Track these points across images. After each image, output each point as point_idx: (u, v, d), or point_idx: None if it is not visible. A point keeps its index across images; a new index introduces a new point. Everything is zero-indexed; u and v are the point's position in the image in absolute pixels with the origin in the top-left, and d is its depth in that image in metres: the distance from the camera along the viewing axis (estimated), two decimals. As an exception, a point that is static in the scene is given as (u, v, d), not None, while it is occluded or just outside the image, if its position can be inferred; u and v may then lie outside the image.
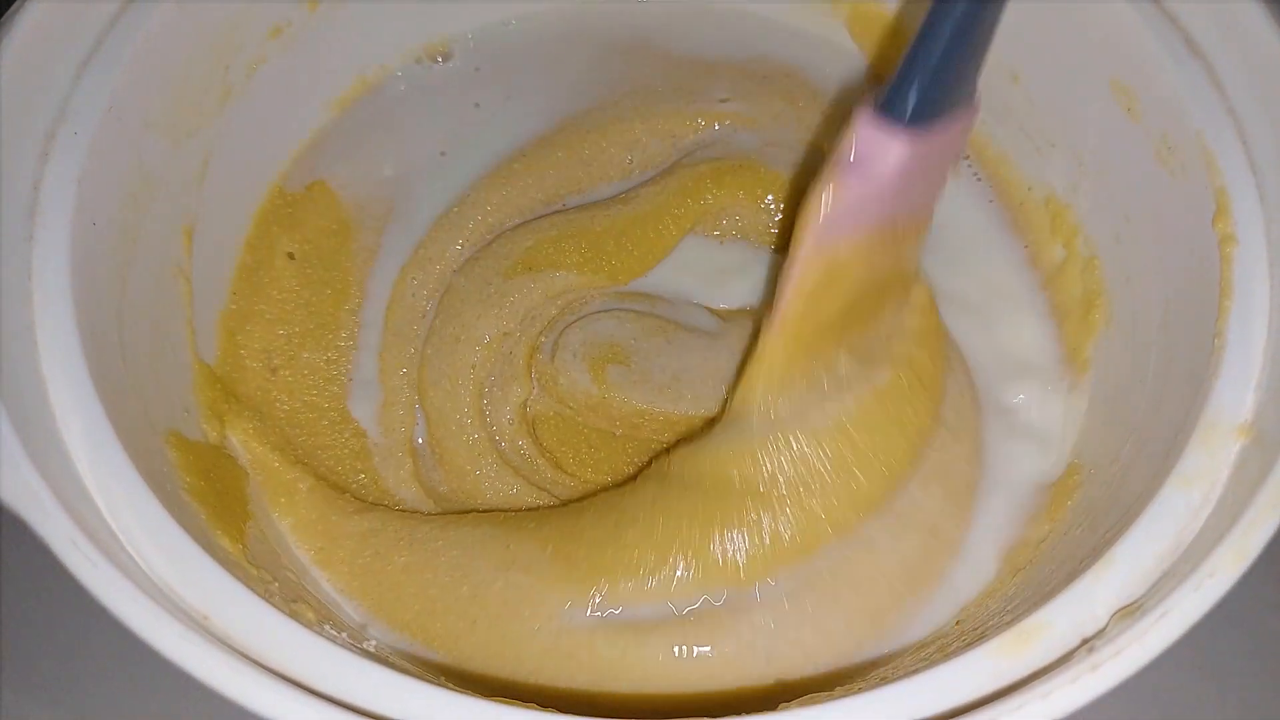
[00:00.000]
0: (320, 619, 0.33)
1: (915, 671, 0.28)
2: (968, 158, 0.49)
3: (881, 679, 0.32)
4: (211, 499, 0.35)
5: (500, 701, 0.28)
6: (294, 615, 0.29)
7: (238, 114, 0.43)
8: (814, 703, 0.28)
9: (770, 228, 0.49)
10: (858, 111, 0.34)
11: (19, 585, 0.41)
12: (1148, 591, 0.29)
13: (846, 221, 0.35)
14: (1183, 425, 0.33)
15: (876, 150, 0.33)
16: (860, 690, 0.28)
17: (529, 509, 0.42)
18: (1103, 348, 0.42)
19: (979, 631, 0.33)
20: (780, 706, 0.31)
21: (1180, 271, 0.38)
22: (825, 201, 0.34)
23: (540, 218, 0.48)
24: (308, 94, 0.48)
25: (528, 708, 0.29)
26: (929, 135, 0.34)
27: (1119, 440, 0.38)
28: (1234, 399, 0.33)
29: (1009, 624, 0.29)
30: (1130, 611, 0.29)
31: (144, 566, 0.29)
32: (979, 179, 0.49)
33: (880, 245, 0.37)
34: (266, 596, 0.30)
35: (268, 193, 0.47)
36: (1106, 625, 0.29)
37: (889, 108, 0.33)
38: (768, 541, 0.37)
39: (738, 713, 0.28)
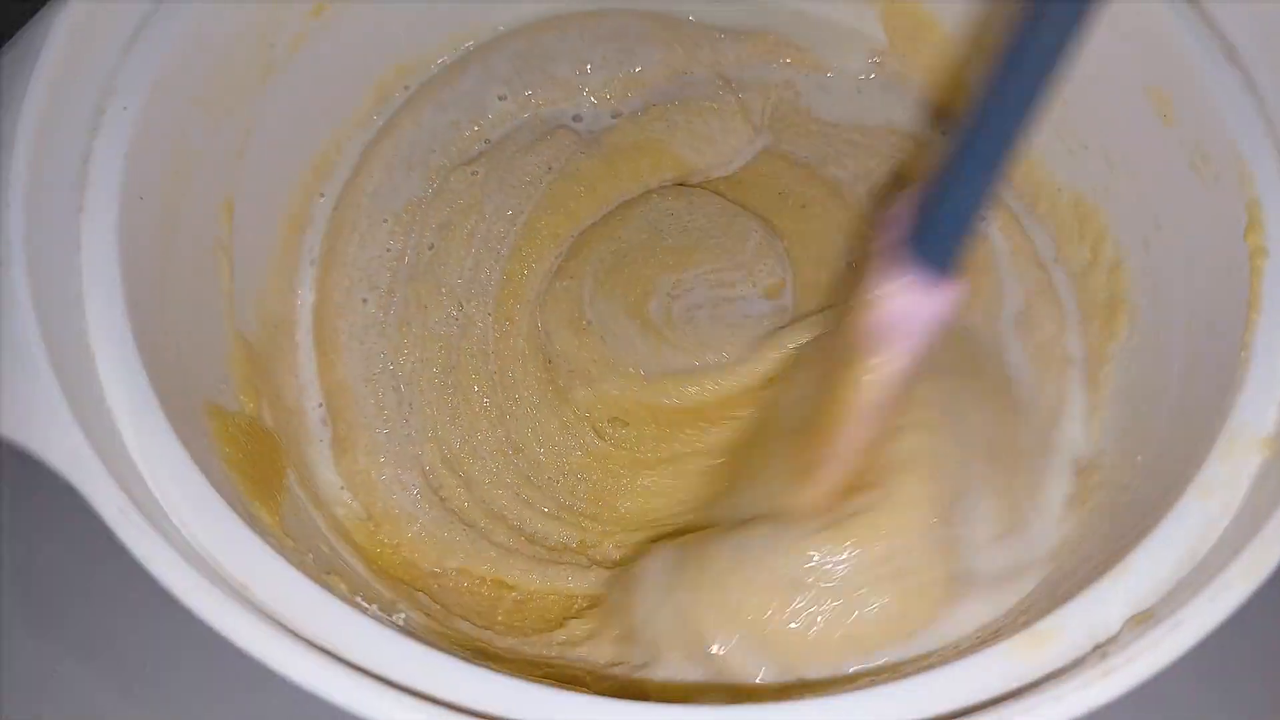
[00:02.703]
0: (353, 590, 0.34)
1: (926, 668, 0.29)
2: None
3: (892, 675, 0.33)
4: (249, 469, 0.36)
5: (528, 679, 0.28)
6: (327, 587, 0.30)
7: (279, 91, 0.44)
8: (823, 694, 0.29)
9: None
10: (887, 271, 0.30)
11: (50, 533, 0.41)
12: (1162, 600, 0.30)
13: (896, 382, 0.33)
14: (1204, 435, 0.33)
15: (922, 310, 0.30)
16: (870, 684, 0.28)
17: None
18: (1125, 351, 0.42)
19: (992, 629, 0.34)
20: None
21: (1208, 280, 0.38)
22: (881, 375, 0.32)
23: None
24: (348, 72, 0.48)
25: (559, 686, 0.29)
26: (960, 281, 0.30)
27: (1137, 445, 0.39)
28: (1257, 412, 0.33)
29: (1023, 625, 0.29)
30: (1144, 619, 0.29)
31: (187, 536, 0.30)
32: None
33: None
34: (301, 568, 0.30)
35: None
36: (1119, 631, 0.29)
37: (928, 261, 0.29)
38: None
39: None
